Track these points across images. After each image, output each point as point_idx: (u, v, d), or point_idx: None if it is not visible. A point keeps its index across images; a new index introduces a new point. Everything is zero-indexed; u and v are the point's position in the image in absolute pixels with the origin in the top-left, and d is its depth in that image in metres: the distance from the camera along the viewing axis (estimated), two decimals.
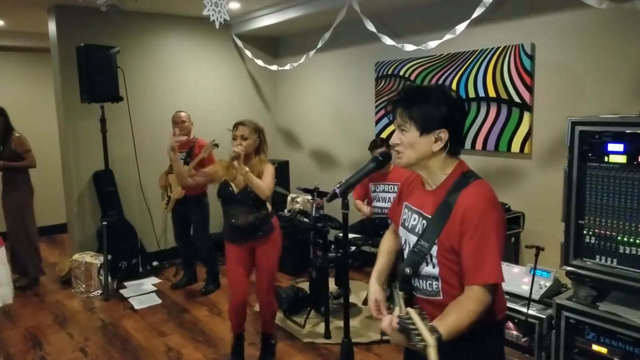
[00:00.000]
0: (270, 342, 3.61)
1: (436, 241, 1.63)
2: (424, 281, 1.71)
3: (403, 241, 1.81)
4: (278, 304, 4.37)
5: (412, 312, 1.43)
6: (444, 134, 1.63)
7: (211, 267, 5.00)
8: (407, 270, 1.70)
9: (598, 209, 2.57)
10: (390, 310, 1.76)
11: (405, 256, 1.78)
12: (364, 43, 5.30)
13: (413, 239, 1.72)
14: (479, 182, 1.65)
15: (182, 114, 4.90)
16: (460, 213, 1.58)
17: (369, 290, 1.83)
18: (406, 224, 1.78)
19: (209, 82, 6.14)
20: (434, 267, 1.66)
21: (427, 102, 1.63)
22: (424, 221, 1.69)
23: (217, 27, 3.80)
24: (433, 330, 1.43)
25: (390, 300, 1.85)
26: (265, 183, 3.22)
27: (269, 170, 3.32)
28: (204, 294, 4.89)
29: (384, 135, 4.96)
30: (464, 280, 1.59)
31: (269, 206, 3.38)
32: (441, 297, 1.67)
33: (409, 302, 1.73)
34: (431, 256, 1.66)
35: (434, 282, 1.68)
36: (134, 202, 5.61)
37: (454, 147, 1.67)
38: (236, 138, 3.23)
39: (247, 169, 3.16)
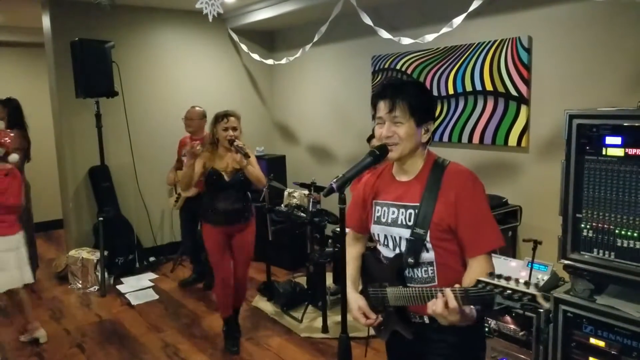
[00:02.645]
0: (237, 315, 3.87)
1: (429, 225, 1.67)
2: (420, 269, 1.72)
3: (382, 237, 1.83)
4: (275, 298, 4.39)
5: (486, 278, 1.37)
6: (431, 126, 1.75)
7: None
8: (410, 260, 1.71)
9: (596, 203, 2.56)
10: (377, 313, 1.80)
11: (393, 248, 1.78)
12: (360, 36, 5.27)
13: (398, 231, 1.75)
14: (454, 163, 1.76)
15: (197, 108, 4.90)
16: (452, 192, 1.66)
17: (349, 300, 1.86)
18: (383, 220, 1.81)
19: (204, 76, 6.11)
20: (427, 251, 1.70)
21: (421, 95, 1.72)
22: (411, 210, 1.72)
23: (210, 20, 3.78)
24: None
25: (376, 303, 1.84)
26: (261, 172, 3.53)
27: (254, 159, 3.55)
28: (206, 288, 4.89)
29: (376, 133, 4.94)
30: (467, 254, 1.66)
31: (249, 194, 3.68)
32: (436, 283, 1.70)
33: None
34: (426, 242, 1.69)
35: (429, 268, 1.71)
36: (130, 197, 5.59)
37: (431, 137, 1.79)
38: (227, 129, 3.42)
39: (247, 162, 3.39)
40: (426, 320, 1.73)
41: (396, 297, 1.73)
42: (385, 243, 1.81)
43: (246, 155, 3.35)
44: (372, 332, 1.96)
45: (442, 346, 1.73)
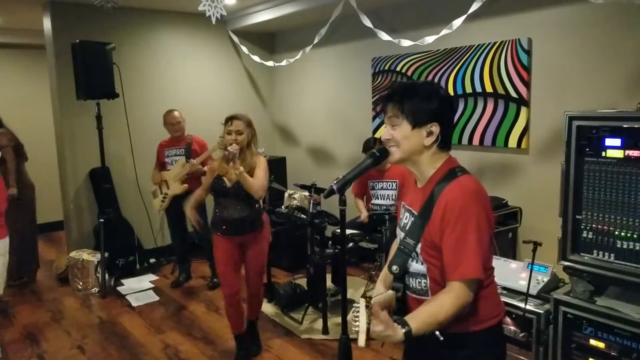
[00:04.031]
0: (256, 326, 3.70)
1: (420, 237, 1.63)
2: (414, 279, 1.70)
3: (399, 240, 1.81)
4: (275, 300, 4.39)
5: (361, 301, 1.43)
6: (435, 128, 1.63)
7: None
8: (394, 267, 1.70)
9: (595, 204, 2.57)
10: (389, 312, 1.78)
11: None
12: (360, 38, 5.28)
13: (403, 235, 1.73)
14: (465, 177, 1.63)
15: (176, 113, 4.92)
16: (442, 207, 1.57)
17: (374, 291, 1.83)
18: (400, 224, 1.79)
19: (205, 78, 6.12)
20: (421, 264, 1.66)
21: (417, 96, 1.64)
22: (412, 218, 1.69)
23: (214, 22, 3.78)
24: (403, 323, 1.46)
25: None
26: (259, 182, 3.22)
27: (262, 166, 3.30)
28: (212, 288, 4.91)
29: (380, 132, 4.95)
30: (445, 276, 1.57)
31: (260, 202, 3.40)
32: (429, 297, 1.65)
33: (401, 301, 1.73)
34: (417, 253, 1.65)
35: (423, 280, 1.67)
36: (131, 199, 5.60)
37: (445, 141, 1.67)
38: (231, 133, 3.24)
39: (242, 169, 3.16)
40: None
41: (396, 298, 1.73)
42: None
43: (229, 161, 3.15)
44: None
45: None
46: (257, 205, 3.35)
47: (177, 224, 5.07)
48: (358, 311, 1.44)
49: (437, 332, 1.51)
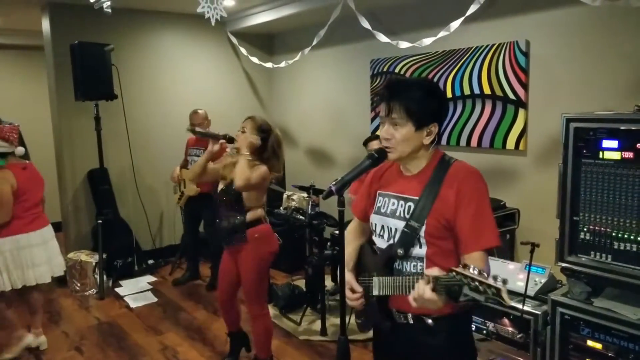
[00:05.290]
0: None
1: (426, 219, 1.67)
2: (409, 262, 1.73)
3: (379, 228, 1.83)
4: (274, 301, 4.39)
5: (459, 269, 1.37)
6: (434, 128, 1.71)
7: (217, 263, 5.00)
8: (400, 251, 1.72)
9: (593, 206, 2.57)
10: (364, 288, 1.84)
11: (387, 239, 1.79)
12: (359, 40, 5.29)
13: (394, 222, 1.76)
14: (461, 161, 1.75)
15: (200, 112, 4.91)
16: (454, 187, 1.65)
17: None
18: (383, 210, 1.82)
19: (204, 79, 6.12)
20: (421, 247, 1.70)
21: (422, 97, 1.68)
22: (410, 203, 1.73)
23: (213, 24, 3.77)
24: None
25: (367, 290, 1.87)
26: (246, 174, 2.94)
27: (257, 172, 3.02)
28: (209, 289, 4.90)
29: (379, 133, 4.96)
30: (462, 249, 1.64)
31: (255, 213, 3.14)
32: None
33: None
34: (419, 236, 1.69)
35: (419, 263, 1.71)
36: (129, 200, 5.60)
37: (439, 139, 1.76)
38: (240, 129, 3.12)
39: (244, 156, 3.00)
40: (410, 320, 1.74)
41: (380, 285, 1.75)
42: (381, 234, 1.82)
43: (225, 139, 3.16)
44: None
45: (428, 350, 1.73)
46: (241, 216, 3.11)
47: (189, 223, 5.14)
48: (465, 277, 1.34)
49: (410, 317, 1.50)
